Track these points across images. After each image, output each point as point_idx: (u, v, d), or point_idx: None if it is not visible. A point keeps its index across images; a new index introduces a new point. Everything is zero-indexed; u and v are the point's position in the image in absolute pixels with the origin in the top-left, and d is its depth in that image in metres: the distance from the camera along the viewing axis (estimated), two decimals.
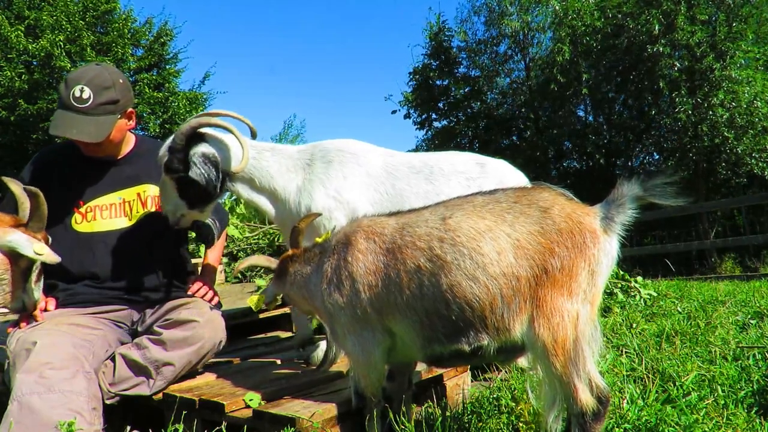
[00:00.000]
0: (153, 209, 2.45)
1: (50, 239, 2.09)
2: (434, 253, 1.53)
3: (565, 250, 1.43)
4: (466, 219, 1.53)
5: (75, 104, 2.17)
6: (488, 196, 1.61)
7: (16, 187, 2.01)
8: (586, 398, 1.40)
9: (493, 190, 1.65)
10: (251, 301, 2.06)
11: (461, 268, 1.49)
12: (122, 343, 2.29)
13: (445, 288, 1.50)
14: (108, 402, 2.09)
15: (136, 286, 2.38)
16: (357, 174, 2.34)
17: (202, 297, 2.42)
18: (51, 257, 1.96)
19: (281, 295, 2.05)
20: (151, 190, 2.46)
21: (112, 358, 2.18)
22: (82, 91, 2.19)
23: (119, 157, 2.45)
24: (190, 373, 2.32)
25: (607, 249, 1.47)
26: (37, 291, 2.06)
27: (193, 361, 2.24)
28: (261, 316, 3.32)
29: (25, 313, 2.11)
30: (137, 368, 2.15)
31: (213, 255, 2.70)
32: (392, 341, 1.68)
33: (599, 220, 1.48)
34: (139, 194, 2.44)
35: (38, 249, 1.92)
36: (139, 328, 2.37)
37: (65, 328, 2.08)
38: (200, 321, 2.24)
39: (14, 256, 1.93)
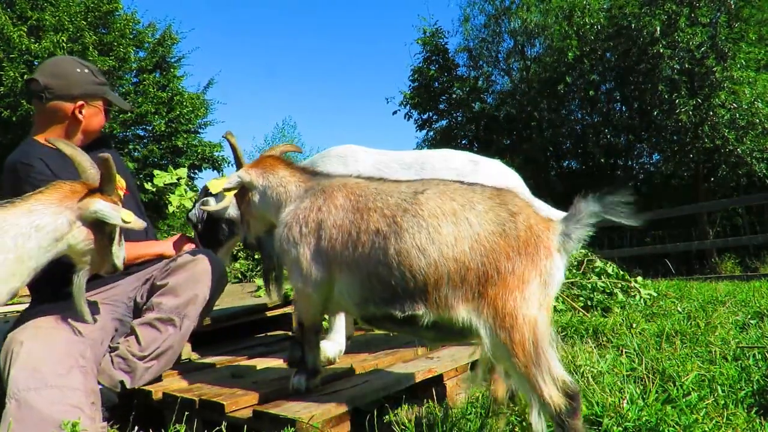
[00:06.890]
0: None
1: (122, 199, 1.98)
2: (395, 220, 1.62)
3: (518, 256, 1.49)
4: (436, 198, 1.61)
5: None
6: (467, 186, 1.68)
7: (72, 150, 1.87)
8: (553, 397, 1.41)
9: (473, 183, 1.71)
10: (212, 184, 2.42)
11: (414, 238, 1.56)
12: (122, 323, 2.32)
13: (392, 253, 1.58)
14: (135, 386, 2.16)
15: None
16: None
17: None
18: (138, 223, 1.88)
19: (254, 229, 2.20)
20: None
21: (130, 332, 2.22)
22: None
23: None
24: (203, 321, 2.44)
25: (559, 265, 1.53)
26: (122, 250, 1.98)
27: (205, 295, 2.31)
28: (262, 315, 3.32)
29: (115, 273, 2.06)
30: (161, 323, 2.21)
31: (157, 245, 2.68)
32: (332, 290, 1.80)
33: (557, 236, 1.53)
34: None
35: (125, 217, 1.81)
36: (140, 299, 2.39)
37: (56, 324, 2.07)
38: (197, 258, 2.34)
39: (98, 225, 1.82)
